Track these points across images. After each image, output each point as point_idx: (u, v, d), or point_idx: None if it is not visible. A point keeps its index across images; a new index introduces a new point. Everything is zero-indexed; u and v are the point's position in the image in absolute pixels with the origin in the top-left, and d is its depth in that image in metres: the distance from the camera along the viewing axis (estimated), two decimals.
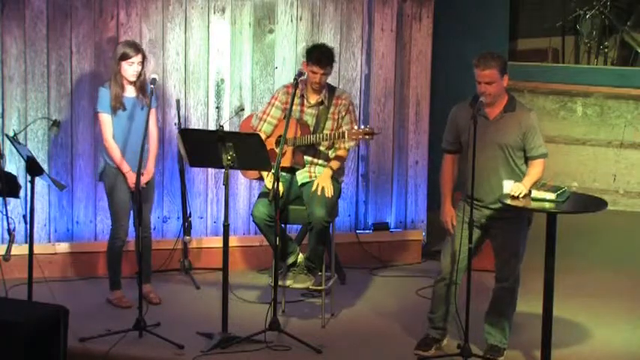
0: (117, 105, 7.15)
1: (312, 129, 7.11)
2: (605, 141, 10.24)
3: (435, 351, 6.62)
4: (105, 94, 7.19)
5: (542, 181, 6.36)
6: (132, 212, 7.29)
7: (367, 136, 6.95)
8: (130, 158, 7.14)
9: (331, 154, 7.18)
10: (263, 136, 6.97)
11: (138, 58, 7.13)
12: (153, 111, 7.28)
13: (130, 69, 7.12)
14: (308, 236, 7.12)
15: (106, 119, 7.20)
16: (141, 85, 7.20)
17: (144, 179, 7.12)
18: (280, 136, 6.97)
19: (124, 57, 7.11)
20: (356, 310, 7.45)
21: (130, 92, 7.18)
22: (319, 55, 7.05)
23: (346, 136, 6.94)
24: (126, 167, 7.18)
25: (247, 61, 8.20)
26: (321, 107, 7.14)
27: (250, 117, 7.41)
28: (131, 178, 7.14)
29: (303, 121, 7.13)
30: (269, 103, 7.26)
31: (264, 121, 7.21)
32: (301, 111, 7.15)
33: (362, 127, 6.98)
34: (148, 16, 7.97)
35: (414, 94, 8.54)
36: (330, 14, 8.29)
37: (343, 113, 7.15)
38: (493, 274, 6.61)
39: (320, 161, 7.17)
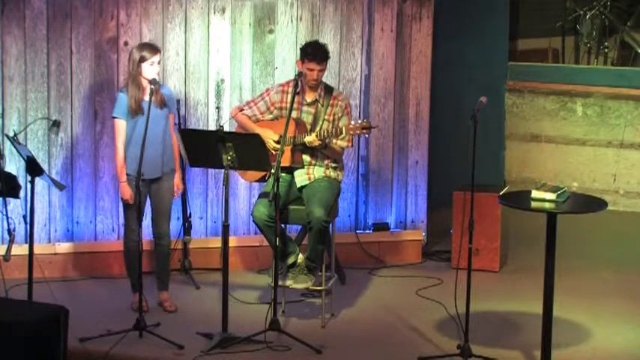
0: (136, 109, 7.06)
1: (309, 127, 7.11)
2: (605, 141, 10.23)
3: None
4: (122, 100, 7.09)
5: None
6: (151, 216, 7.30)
7: (365, 131, 6.92)
8: (150, 163, 7.03)
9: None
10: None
11: (157, 58, 7.07)
12: (171, 116, 7.26)
13: (150, 69, 7.03)
14: (308, 236, 7.12)
15: (119, 125, 7.10)
16: (157, 87, 7.13)
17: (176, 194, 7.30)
18: (279, 136, 6.99)
19: (143, 59, 7.03)
20: (356, 310, 7.45)
21: (147, 96, 7.01)
22: (315, 52, 7.04)
23: (344, 132, 6.92)
24: (123, 177, 7.12)
25: (247, 62, 8.20)
26: (318, 106, 7.14)
27: (238, 107, 7.40)
28: (125, 189, 7.09)
29: (300, 120, 7.13)
30: (260, 96, 7.29)
31: (250, 108, 7.25)
32: (298, 109, 7.15)
33: (359, 121, 6.94)
34: (148, 16, 7.97)
35: (414, 94, 8.53)
36: (330, 14, 8.29)
37: (340, 114, 7.14)
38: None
39: (318, 161, 7.16)
